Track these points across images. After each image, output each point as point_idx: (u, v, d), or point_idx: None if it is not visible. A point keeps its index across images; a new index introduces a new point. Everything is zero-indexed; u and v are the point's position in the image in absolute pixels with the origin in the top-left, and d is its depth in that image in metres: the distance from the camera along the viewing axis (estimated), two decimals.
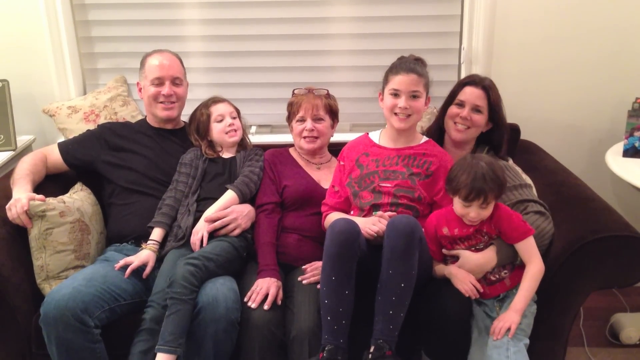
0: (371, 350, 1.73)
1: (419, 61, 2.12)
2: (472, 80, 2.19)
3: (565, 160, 2.46)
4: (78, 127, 2.57)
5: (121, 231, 2.22)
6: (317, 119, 2.27)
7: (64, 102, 2.68)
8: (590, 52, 2.68)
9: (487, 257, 1.89)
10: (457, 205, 1.86)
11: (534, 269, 1.85)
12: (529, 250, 1.86)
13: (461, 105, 2.17)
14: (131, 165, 2.30)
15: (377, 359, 1.71)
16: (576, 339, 2.50)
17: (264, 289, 1.94)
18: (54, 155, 2.35)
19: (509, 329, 1.78)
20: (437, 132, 2.28)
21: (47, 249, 2.04)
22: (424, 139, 2.17)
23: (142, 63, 2.39)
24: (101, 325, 1.87)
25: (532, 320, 1.86)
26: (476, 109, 2.15)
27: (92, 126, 2.49)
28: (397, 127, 2.08)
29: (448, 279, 1.89)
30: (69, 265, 2.07)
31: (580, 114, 2.76)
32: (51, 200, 2.09)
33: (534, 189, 2.14)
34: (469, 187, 1.79)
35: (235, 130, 2.33)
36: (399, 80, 2.04)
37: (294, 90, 2.34)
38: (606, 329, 2.60)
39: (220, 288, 1.90)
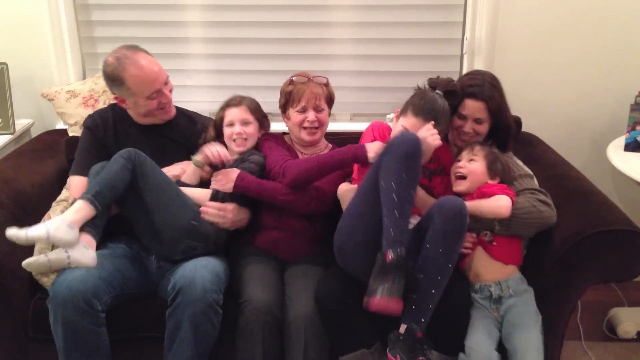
0: (403, 330, 1.74)
1: (451, 97, 2.05)
2: (472, 93, 2.09)
3: (566, 153, 2.45)
4: (77, 111, 2.56)
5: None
6: (318, 110, 2.21)
7: (63, 86, 2.66)
8: (594, 44, 2.66)
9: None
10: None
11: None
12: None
13: (463, 118, 2.12)
14: None
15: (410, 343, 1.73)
16: (573, 332, 2.50)
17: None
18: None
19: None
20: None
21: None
22: None
23: (116, 78, 2.09)
24: (105, 310, 1.88)
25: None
26: (478, 121, 2.11)
27: (90, 111, 2.46)
28: None
29: None
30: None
31: (582, 107, 2.74)
32: None
33: (535, 180, 2.12)
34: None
35: (245, 139, 2.21)
36: (413, 123, 1.99)
37: (292, 77, 2.26)
38: (603, 323, 2.60)
39: (199, 270, 1.89)
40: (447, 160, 2.15)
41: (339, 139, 2.38)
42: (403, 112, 2.05)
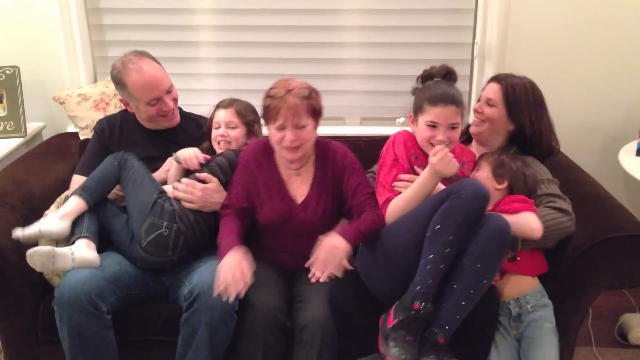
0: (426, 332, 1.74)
1: (451, 77, 1.97)
2: (496, 77, 2.17)
3: (577, 158, 2.44)
4: (88, 114, 2.57)
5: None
6: (299, 127, 1.94)
7: (75, 90, 2.67)
8: (605, 49, 2.65)
9: None
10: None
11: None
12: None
13: (479, 99, 2.18)
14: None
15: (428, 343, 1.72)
16: (584, 338, 2.48)
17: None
18: None
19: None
20: (466, 128, 2.25)
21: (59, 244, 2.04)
22: None
23: (119, 81, 2.14)
24: (112, 312, 1.88)
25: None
26: (489, 103, 2.12)
27: (101, 114, 2.48)
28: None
29: None
30: None
31: (594, 111, 2.73)
32: None
33: (557, 187, 2.08)
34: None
35: (229, 142, 2.17)
36: (437, 113, 1.88)
37: (269, 89, 1.97)
38: (615, 329, 2.57)
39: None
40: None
41: (349, 143, 2.36)
42: (418, 110, 1.94)
